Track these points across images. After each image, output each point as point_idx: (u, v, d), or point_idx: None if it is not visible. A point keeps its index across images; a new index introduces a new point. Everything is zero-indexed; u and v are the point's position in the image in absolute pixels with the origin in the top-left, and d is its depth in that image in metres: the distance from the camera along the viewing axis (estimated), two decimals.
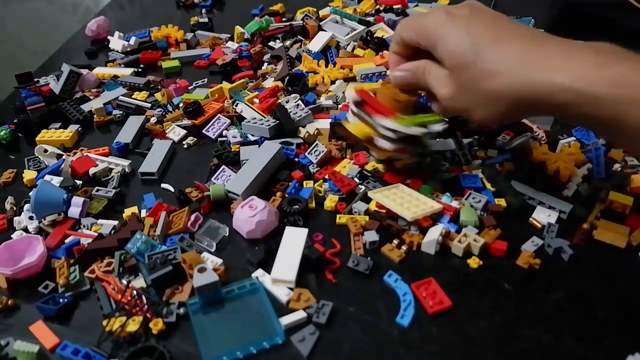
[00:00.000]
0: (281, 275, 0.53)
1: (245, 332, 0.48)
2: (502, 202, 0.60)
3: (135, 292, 0.51)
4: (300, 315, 0.49)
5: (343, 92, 0.83)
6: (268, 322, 0.49)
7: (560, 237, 0.56)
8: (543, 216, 0.58)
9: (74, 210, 0.62)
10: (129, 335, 0.48)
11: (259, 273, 0.54)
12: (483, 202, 0.60)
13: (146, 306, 0.50)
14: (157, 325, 0.49)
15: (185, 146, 0.76)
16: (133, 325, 0.49)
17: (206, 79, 0.93)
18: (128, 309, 0.50)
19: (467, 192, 0.61)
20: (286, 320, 0.49)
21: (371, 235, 0.57)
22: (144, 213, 0.63)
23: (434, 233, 0.55)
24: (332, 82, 0.86)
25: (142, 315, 0.49)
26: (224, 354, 0.46)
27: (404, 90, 0.60)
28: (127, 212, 0.63)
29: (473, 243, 0.54)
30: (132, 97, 0.87)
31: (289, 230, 0.57)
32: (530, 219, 0.59)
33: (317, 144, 0.70)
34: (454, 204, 0.59)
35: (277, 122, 0.74)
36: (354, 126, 0.63)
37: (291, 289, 0.52)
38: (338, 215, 0.60)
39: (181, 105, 0.83)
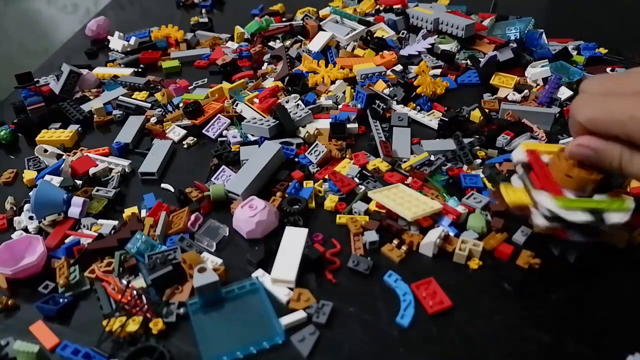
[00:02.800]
0: (281, 275, 0.53)
1: (245, 332, 0.48)
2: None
3: (135, 292, 0.51)
4: (300, 315, 0.49)
5: (343, 92, 0.83)
6: (268, 322, 0.49)
7: None
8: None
9: (74, 210, 0.62)
10: (129, 335, 0.48)
11: (259, 273, 0.54)
12: (484, 203, 0.60)
13: (146, 306, 0.50)
14: (157, 325, 0.49)
15: (185, 146, 0.76)
16: (133, 325, 0.49)
17: (206, 79, 0.93)
18: (128, 309, 0.50)
19: (468, 191, 0.62)
20: (286, 320, 0.49)
21: (371, 235, 0.57)
22: (144, 213, 0.63)
23: (433, 235, 0.55)
24: (332, 82, 0.86)
25: (142, 315, 0.49)
26: (224, 354, 0.46)
27: (584, 166, 0.47)
28: (127, 212, 0.63)
29: (474, 248, 0.54)
30: (132, 97, 0.87)
31: (289, 230, 0.57)
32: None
33: (317, 144, 0.70)
34: (460, 208, 0.59)
35: (277, 122, 0.74)
36: (511, 191, 0.51)
37: (291, 289, 0.52)
38: (338, 215, 0.60)
39: (181, 105, 0.83)
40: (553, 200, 0.47)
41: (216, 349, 0.47)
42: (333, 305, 0.50)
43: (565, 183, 0.48)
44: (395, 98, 0.81)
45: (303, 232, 0.57)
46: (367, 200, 0.62)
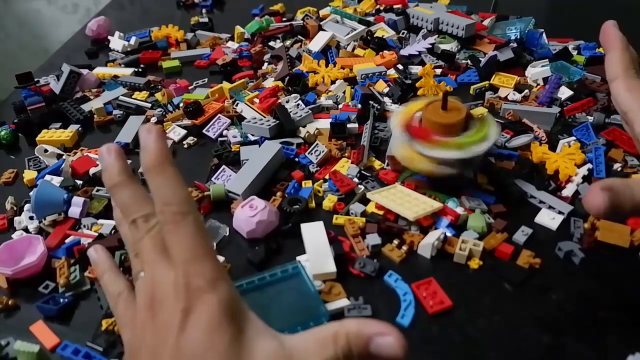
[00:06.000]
0: (321, 269, 0.53)
1: (292, 313, 0.49)
2: None
3: None
4: (343, 302, 0.50)
5: (343, 92, 0.83)
6: (313, 304, 0.49)
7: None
8: (547, 219, 0.58)
9: (74, 210, 0.62)
10: None
11: (302, 258, 0.54)
12: (482, 203, 0.60)
13: None
14: None
15: (185, 146, 0.76)
16: None
17: (206, 79, 0.93)
18: None
19: (467, 193, 0.61)
20: (331, 306, 0.49)
21: (373, 239, 0.56)
22: None
23: (431, 237, 0.55)
24: (332, 82, 0.86)
25: None
26: None
27: (448, 112, 0.59)
28: None
29: (474, 248, 0.54)
30: (132, 97, 0.87)
31: (305, 227, 0.57)
32: (535, 220, 0.59)
33: (317, 144, 0.70)
34: (459, 210, 0.59)
35: (277, 122, 0.74)
36: (400, 150, 0.62)
37: (333, 280, 0.52)
38: (335, 216, 0.60)
39: (181, 105, 0.83)
40: (440, 149, 0.58)
41: None
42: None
43: (438, 130, 0.59)
44: (392, 98, 0.80)
45: (319, 225, 0.57)
46: (364, 202, 0.62)
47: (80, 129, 0.81)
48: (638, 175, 0.62)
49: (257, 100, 0.82)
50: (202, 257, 0.36)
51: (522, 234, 0.56)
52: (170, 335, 0.34)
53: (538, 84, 0.83)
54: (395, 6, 1.10)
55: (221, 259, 0.56)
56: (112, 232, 0.60)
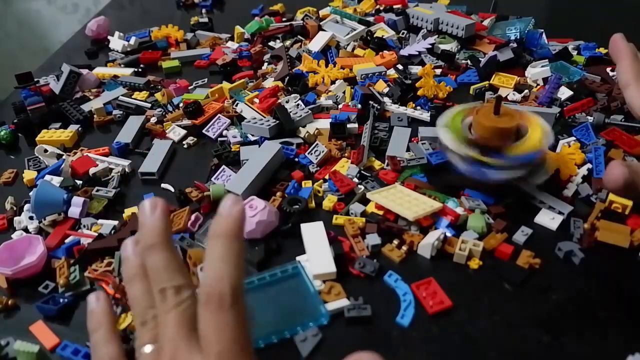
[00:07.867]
0: (321, 269, 0.52)
1: (291, 314, 0.49)
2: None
3: None
4: (343, 303, 0.50)
5: (343, 92, 0.83)
6: (312, 304, 0.49)
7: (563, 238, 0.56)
8: (547, 219, 0.58)
9: (74, 210, 0.62)
10: (122, 331, 0.48)
11: (302, 258, 0.54)
12: (482, 204, 0.60)
13: None
14: None
15: (185, 146, 0.76)
16: (128, 320, 0.49)
17: (206, 79, 0.93)
18: (125, 302, 0.50)
19: (467, 194, 0.61)
20: (330, 306, 0.49)
21: (373, 239, 0.56)
22: None
23: (431, 237, 0.55)
24: (332, 82, 0.86)
25: None
26: (272, 334, 0.47)
27: (501, 117, 0.57)
28: (127, 212, 0.63)
29: (474, 248, 0.54)
30: (132, 97, 0.87)
31: (305, 227, 0.57)
32: (535, 220, 0.59)
33: (317, 144, 0.70)
34: (459, 210, 0.59)
35: (277, 122, 0.74)
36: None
37: (332, 280, 0.52)
38: (335, 216, 0.60)
39: (181, 105, 0.83)
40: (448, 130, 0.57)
41: (264, 329, 0.47)
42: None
43: (492, 136, 0.56)
44: (392, 98, 0.80)
45: (319, 225, 0.57)
46: (364, 202, 0.62)
47: (80, 129, 0.81)
48: None
49: (257, 100, 0.82)
50: (240, 354, 0.33)
51: (522, 234, 0.56)
52: None
53: (538, 84, 0.83)
54: (395, 6, 1.11)
55: None
56: (112, 232, 0.60)
